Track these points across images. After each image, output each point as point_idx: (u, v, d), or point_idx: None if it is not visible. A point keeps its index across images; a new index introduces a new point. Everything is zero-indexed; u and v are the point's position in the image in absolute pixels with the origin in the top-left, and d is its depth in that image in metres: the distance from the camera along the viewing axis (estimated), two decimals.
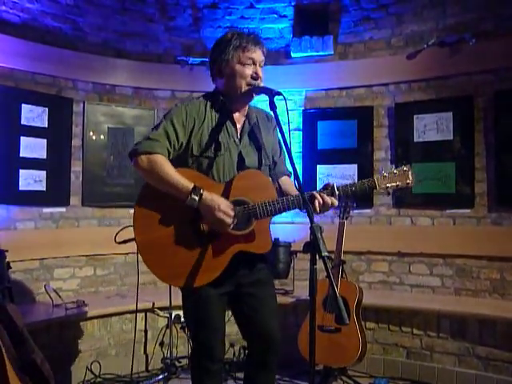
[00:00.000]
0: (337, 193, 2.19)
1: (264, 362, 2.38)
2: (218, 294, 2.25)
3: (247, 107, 2.37)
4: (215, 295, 2.24)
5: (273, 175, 2.42)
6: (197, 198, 2.10)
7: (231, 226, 2.13)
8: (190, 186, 2.12)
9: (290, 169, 2.39)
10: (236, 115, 2.33)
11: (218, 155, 2.24)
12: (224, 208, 2.10)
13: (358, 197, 2.31)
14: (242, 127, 2.34)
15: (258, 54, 2.25)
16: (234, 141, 2.29)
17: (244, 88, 2.24)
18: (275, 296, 2.45)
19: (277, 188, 2.36)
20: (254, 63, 2.24)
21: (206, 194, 2.11)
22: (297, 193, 2.27)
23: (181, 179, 2.14)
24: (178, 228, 2.18)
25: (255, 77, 2.24)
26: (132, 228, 2.23)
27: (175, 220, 2.18)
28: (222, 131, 2.27)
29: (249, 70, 2.24)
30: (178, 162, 2.24)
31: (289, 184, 2.46)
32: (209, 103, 2.31)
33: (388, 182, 2.24)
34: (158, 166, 2.15)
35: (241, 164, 2.29)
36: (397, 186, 2.25)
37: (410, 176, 2.25)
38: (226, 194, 2.19)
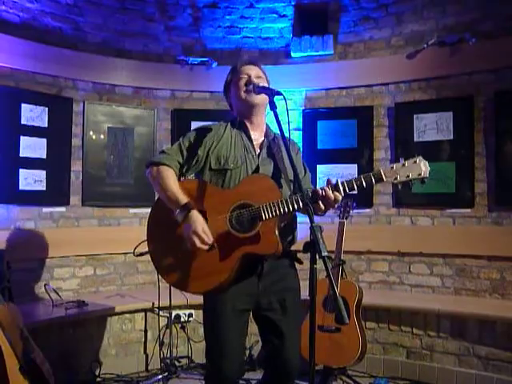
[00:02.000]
0: (341, 188, 2.12)
1: None
2: (236, 310, 2.24)
3: (265, 127, 2.44)
4: (232, 311, 2.24)
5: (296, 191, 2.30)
6: (182, 216, 2.16)
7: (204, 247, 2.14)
8: (183, 202, 2.19)
9: (311, 186, 2.44)
10: (254, 133, 2.40)
11: (235, 168, 2.29)
12: (199, 232, 2.12)
13: (363, 190, 2.18)
14: (261, 144, 2.39)
15: (247, 69, 2.38)
16: (253, 156, 2.34)
17: (243, 96, 2.34)
18: (298, 317, 2.41)
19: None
20: (246, 76, 2.36)
21: (191, 215, 2.15)
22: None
23: (177, 192, 2.23)
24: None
25: (249, 80, 2.34)
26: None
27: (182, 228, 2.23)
28: (241, 146, 2.34)
29: (242, 81, 2.35)
30: (198, 176, 2.38)
31: None
32: (228, 125, 2.42)
33: (397, 174, 2.09)
34: (160, 177, 2.29)
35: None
36: (407, 177, 2.07)
37: (423, 167, 2.07)
38: (230, 199, 2.20)
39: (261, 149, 2.37)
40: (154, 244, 2.34)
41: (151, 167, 2.34)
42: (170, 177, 2.28)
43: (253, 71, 2.38)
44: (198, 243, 2.12)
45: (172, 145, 2.43)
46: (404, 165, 2.10)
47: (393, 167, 2.10)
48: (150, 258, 2.38)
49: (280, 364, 2.31)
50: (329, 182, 2.14)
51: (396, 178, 2.09)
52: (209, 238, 2.13)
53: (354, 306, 3.47)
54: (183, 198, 2.20)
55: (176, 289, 2.34)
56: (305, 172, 2.51)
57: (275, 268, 2.28)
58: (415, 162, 2.09)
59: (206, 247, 2.14)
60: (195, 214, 2.16)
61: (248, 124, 2.40)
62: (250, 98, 2.32)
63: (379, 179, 2.10)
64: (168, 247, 2.27)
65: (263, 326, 2.35)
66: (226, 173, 2.29)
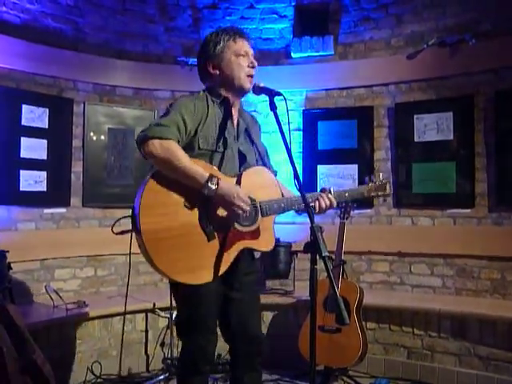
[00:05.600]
0: (333, 195, 2.36)
1: (250, 363, 2.38)
2: (214, 294, 2.23)
3: (239, 105, 2.42)
4: (214, 295, 2.24)
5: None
6: (213, 187, 2.09)
7: (246, 214, 2.16)
8: (206, 174, 2.10)
9: (275, 168, 2.52)
10: (232, 112, 2.36)
11: (223, 151, 2.26)
12: (242, 196, 2.13)
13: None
14: (238, 124, 2.37)
15: (247, 46, 2.33)
16: (234, 137, 2.32)
17: (243, 78, 2.28)
18: (259, 295, 2.51)
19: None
20: (247, 54, 2.31)
21: (222, 183, 2.12)
22: (289, 192, 2.40)
23: (197, 167, 2.11)
24: (185, 222, 2.12)
25: (252, 66, 2.30)
26: (130, 219, 2.14)
27: (183, 213, 2.12)
28: (224, 128, 2.29)
29: (244, 61, 2.29)
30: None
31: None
32: (210, 98, 2.32)
33: (372, 192, 2.53)
34: (172, 152, 2.08)
35: (242, 160, 2.32)
36: (377, 195, 2.55)
37: (388, 188, 2.55)
38: None
39: (238, 129, 2.36)
40: (148, 225, 2.07)
41: (151, 141, 2.08)
42: (181, 151, 2.11)
43: (250, 50, 2.34)
44: (245, 206, 2.12)
45: (163, 116, 2.21)
46: (376, 184, 2.54)
47: (371, 186, 2.54)
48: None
49: (245, 339, 2.33)
50: (324, 190, 2.37)
51: (371, 196, 2.55)
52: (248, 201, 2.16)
53: (354, 307, 3.47)
54: (204, 171, 2.11)
55: (170, 278, 2.16)
56: (266, 152, 2.55)
57: (249, 253, 2.32)
58: (383, 182, 2.55)
59: (248, 209, 2.16)
60: (226, 182, 2.14)
61: (230, 102, 2.34)
62: (248, 90, 2.31)
63: (362, 195, 2.52)
64: (165, 233, 2.08)
65: (227, 307, 2.32)
66: (213, 154, 2.23)
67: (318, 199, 2.32)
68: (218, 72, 2.33)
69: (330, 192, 2.36)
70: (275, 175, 2.49)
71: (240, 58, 2.29)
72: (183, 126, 2.17)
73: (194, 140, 2.22)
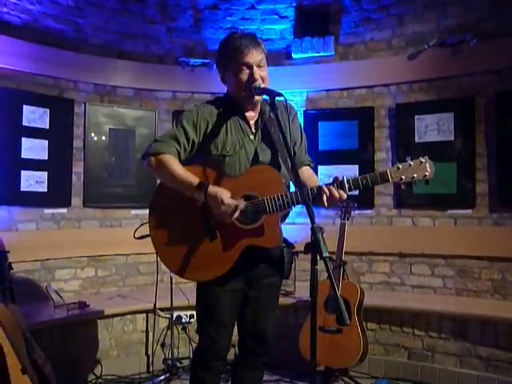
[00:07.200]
0: (346, 186, 2.11)
1: (254, 361, 2.45)
2: (231, 289, 2.29)
3: (259, 103, 2.36)
4: (227, 291, 2.29)
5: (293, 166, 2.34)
6: (202, 193, 2.15)
7: (235, 216, 2.16)
8: (196, 181, 2.18)
9: (309, 158, 2.47)
10: (249, 113, 2.36)
11: (234, 153, 2.27)
12: (227, 200, 2.13)
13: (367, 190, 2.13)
14: (256, 123, 2.36)
15: (252, 56, 2.22)
16: (250, 138, 2.32)
17: (243, 93, 2.27)
18: (278, 299, 2.53)
19: (295, 179, 2.30)
20: (250, 67, 2.23)
21: (210, 188, 2.16)
22: (315, 184, 2.24)
23: (187, 176, 2.21)
24: (189, 223, 2.25)
25: (252, 80, 2.23)
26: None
27: (187, 216, 2.26)
28: (236, 130, 2.31)
29: (244, 76, 2.23)
30: (196, 161, 2.31)
31: (308, 175, 2.42)
32: (221, 105, 2.35)
33: (403, 175, 2.11)
34: (164, 165, 2.23)
35: (255, 160, 2.32)
36: (412, 178, 2.11)
37: (428, 168, 2.13)
38: (236, 189, 2.21)
39: (256, 128, 2.34)
40: (156, 230, 2.32)
41: (149, 158, 2.27)
42: (173, 163, 2.23)
43: (255, 58, 2.23)
44: (230, 210, 2.13)
45: (166, 133, 2.38)
46: (410, 165, 2.12)
47: (399, 167, 2.11)
48: (152, 250, 2.36)
49: (255, 337, 2.39)
50: (336, 180, 2.14)
51: (401, 179, 2.11)
52: (236, 204, 2.14)
53: (355, 307, 3.47)
54: (195, 179, 2.19)
55: (176, 275, 2.35)
56: (301, 141, 2.46)
57: (270, 253, 2.34)
58: (421, 162, 2.12)
59: (236, 214, 2.14)
60: (214, 188, 2.16)
61: (241, 105, 2.33)
62: (250, 97, 2.28)
63: (385, 180, 2.12)
64: (171, 234, 2.28)
65: (246, 305, 2.38)
66: (225, 159, 2.27)
67: (324, 193, 2.10)
68: (224, 76, 2.35)
69: (341, 182, 2.12)
70: (310, 166, 2.46)
71: (241, 73, 2.24)
72: (184, 137, 2.27)
73: (204, 147, 2.30)
